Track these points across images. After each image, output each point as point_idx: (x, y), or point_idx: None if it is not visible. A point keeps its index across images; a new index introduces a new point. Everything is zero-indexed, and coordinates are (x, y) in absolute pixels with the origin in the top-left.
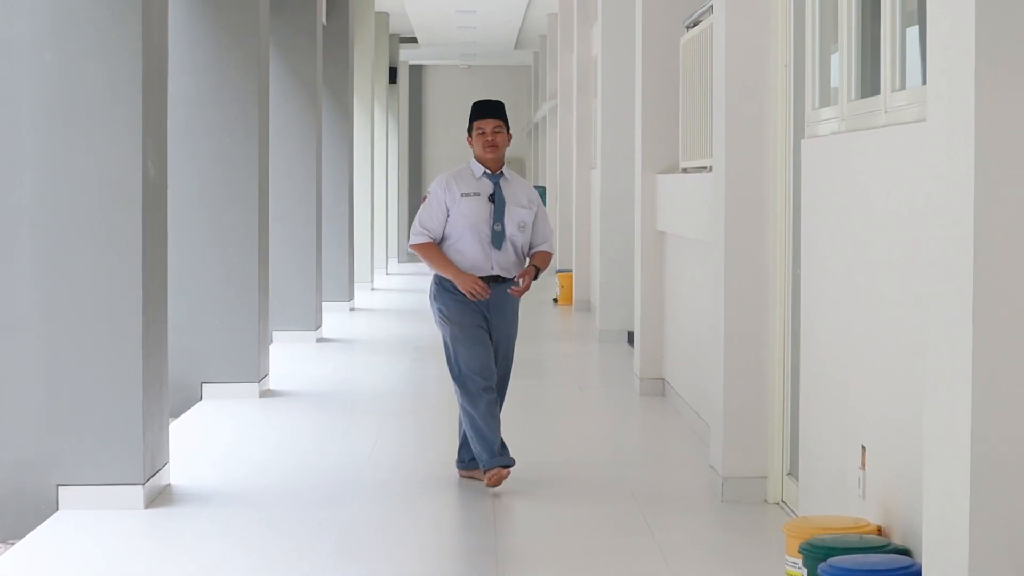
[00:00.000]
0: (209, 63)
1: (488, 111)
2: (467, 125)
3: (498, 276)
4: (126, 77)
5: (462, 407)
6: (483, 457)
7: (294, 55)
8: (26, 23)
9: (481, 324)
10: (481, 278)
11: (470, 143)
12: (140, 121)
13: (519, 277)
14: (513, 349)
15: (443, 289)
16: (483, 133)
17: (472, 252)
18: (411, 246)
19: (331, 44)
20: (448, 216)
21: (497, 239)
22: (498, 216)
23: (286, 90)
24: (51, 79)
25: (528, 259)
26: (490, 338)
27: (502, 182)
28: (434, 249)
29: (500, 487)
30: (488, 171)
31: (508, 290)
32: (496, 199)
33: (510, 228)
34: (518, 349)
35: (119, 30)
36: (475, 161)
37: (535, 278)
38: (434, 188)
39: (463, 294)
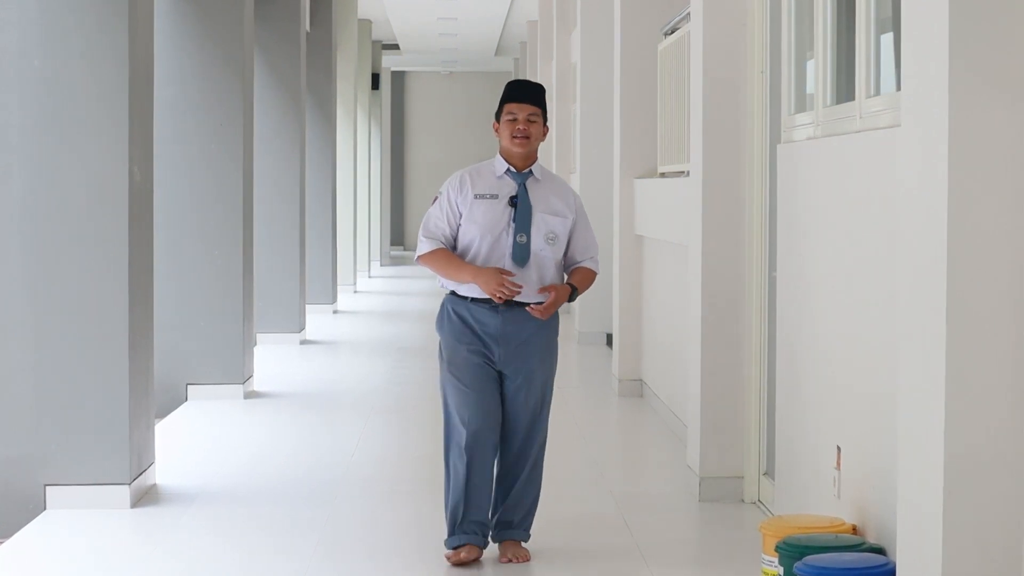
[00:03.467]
0: (195, 70)
1: (525, 94)
2: (496, 109)
3: (513, 301)
4: (113, 84)
5: (444, 468)
6: (449, 526)
7: (278, 62)
8: (15, 31)
9: (484, 363)
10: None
11: (496, 131)
12: (126, 127)
13: (543, 290)
14: (543, 399)
15: (444, 315)
16: (514, 119)
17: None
18: (417, 260)
19: (315, 51)
20: (460, 222)
21: (520, 254)
22: (522, 225)
23: (271, 96)
24: (39, 86)
25: (567, 279)
26: (501, 383)
27: (530, 182)
28: (442, 252)
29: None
30: (513, 168)
31: (527, 308)
32: (519, 203)
33: (537, 241)
34: None
35: (106, 38)
36: (499, 155)
37: (570, 299)
38: (445, 187)
39: (469, 322)
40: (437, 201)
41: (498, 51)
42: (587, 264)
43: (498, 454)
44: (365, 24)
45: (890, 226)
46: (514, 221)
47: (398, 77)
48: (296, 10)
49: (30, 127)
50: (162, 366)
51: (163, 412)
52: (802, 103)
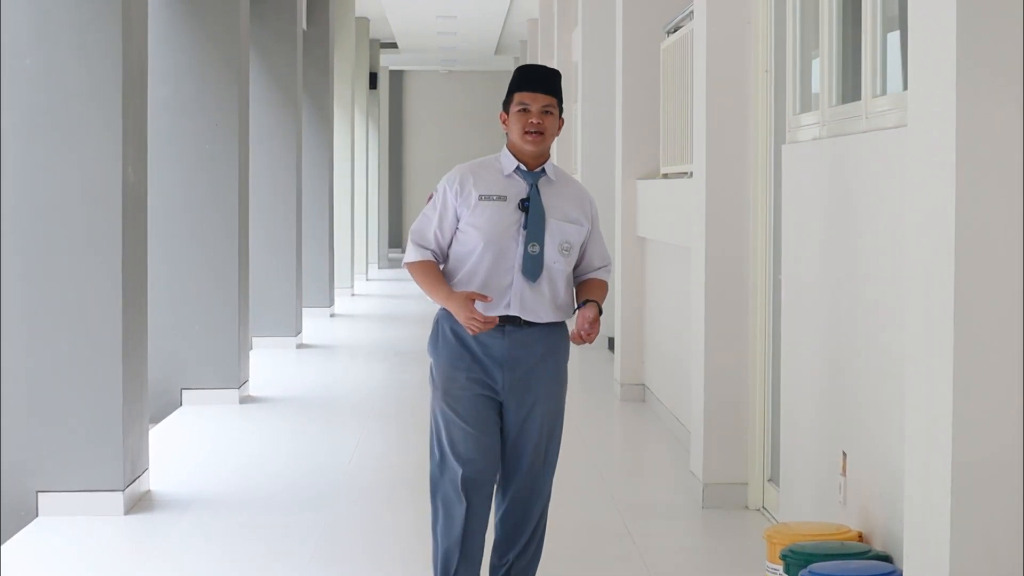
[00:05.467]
0: (190, 69)
1: (540, 81)
2: (504, 98)
3: (516, 318)
4: (106, 83)
5: (432, 507)
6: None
7: (275, 61)
8: (6, 29)
9: (485, 393)
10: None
11: (504, 123)
12: (120, 126)
13: (583, 324)
14: (553, 434)
15: (438, 334)
16: (526, 111)
17: (489, 283)
18: (404, 265)
19: (311, 50)
20: (458, 227)
21: (532, 267)
22: (534, 233)
23: (267, 96)
24: (31, 85)
25: (575, 292)
26: (501, 415)
27: (542, 183)
28: (427, 265)
29: None
30: (523, 166)
31: (575, 334)
32: (531, 208)
33: (550, 252)
34: None
35: (99, 36)
36: (507, 151)
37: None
38: (442, 185)
39: (468, 343)
40: (432, 200)
41: (498, 50)
42: (600, 275)
43: (497, 497)
44: (363, 22)
45: (897, 228)
46: (525, 228)
47: (396, 76)
48: (292, 8)
49: (22, 127)
50: (156, 370)
51: (157, 417)
52: (807, 103)
